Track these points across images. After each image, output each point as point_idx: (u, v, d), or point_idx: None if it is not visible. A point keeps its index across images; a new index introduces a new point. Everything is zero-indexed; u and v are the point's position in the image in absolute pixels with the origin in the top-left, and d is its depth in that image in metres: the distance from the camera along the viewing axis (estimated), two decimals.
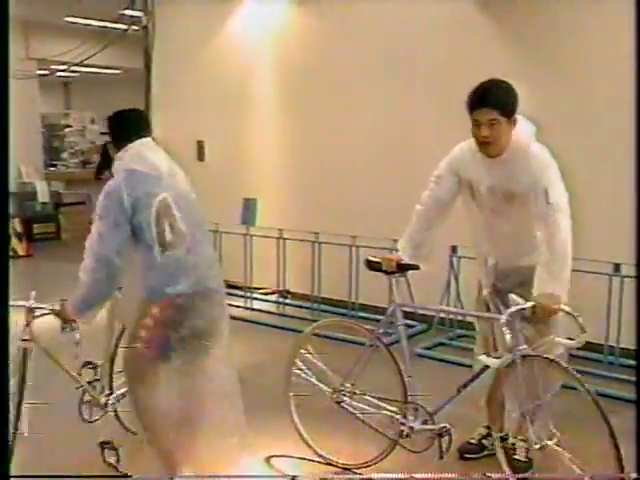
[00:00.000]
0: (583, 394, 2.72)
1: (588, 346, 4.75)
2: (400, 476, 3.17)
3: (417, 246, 3.27)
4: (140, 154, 2.94)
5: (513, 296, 2.81)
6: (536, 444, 2.78)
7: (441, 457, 3.01)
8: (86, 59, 8.48)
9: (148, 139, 3.04)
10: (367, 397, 3.25)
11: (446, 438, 3.01)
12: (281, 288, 6.29)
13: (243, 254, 6.46)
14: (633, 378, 4.42)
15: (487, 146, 2.99)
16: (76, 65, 9.05)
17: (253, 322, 5.26)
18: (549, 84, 5.07)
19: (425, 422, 3.09)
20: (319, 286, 6.01)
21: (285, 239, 6.18)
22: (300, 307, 6.22)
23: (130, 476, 3.14)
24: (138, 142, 2.97)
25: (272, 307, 6.34)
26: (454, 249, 5.04)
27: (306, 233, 5.96)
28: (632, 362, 4.63)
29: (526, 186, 2.95)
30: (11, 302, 2.68)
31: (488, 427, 3.39)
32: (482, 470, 3.13)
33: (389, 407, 3.18)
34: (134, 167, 2.88)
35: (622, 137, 4.70)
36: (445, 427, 3.03)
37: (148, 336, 2.78)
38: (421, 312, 5.30)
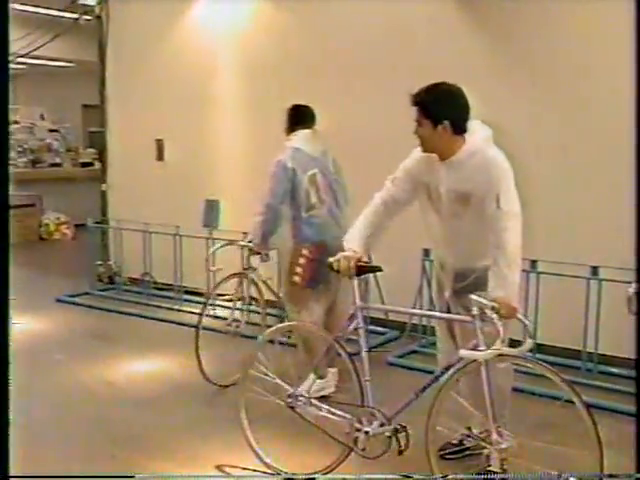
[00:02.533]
0: (562, 387, 2.81)
1: (565, 352, 4.92)
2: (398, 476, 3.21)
3: (365, 246, 3.35)
4: (304, 139, 4.38)
5: (473, 296, 2.91)
6: (500, 444, 2.86)
7: (400, 453, 3.09)
8: (34, 50, 8.37)
9: (311, 130, 4.46)
10: (322, 403, 3.32)
11: (403, 434, 3.08)
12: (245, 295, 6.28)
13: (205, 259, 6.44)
14: (612, 385, 4.53)
15: (420, 143, 3.23)
16: (23, 56, 8.91)
17: (216, 330, 5.26)
18: (528, 83, 5.18)
19: (382, 426, 3.15)
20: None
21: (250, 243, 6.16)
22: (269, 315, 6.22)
23: (133, 476, 3.26)
24: (304, 131, 4.42)
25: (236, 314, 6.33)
26: (426, 252, 5.10)
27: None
28: (611, 369, 4.74)
29: (480, 190, 3.09)
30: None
31: (469, 427, 3.47)
32: (462, 471, 3.18)
33: (343, 412, 3.24)
34: (298, 146, 4.33)
35: (601, 138, 4.83)
36: (400, 425, 3.10)
37: (302, 271, 4.26)
38: (382, 315, 5.39)
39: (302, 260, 4.29)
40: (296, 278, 4.31)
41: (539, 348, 4.81)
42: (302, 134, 4.42)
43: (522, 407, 3.74)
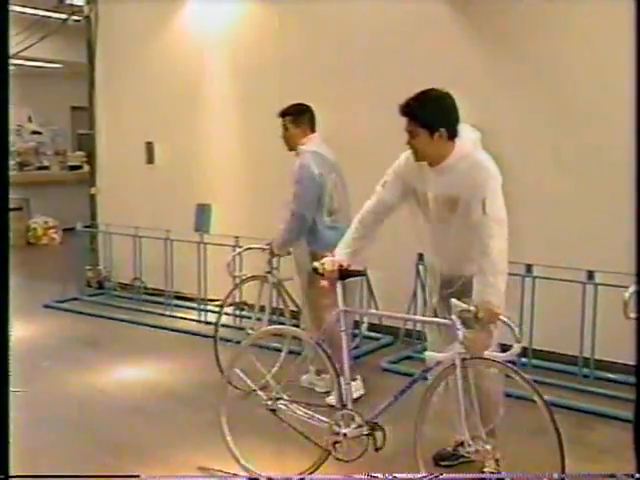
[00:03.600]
0: (524, 386, 2.86)
1: (562, 358, 4.95)
2: (401, 475, 3.24)
3: (353, 253, 3.41)
4: (321, 143, 4.44)
5: (455, 300, 2.96)
6: (470, 446, 2.95)
7: (376, 450, 3.15)
8: (22, 51, 8.38)
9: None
10: (303, 406, 3.37)
11: (379, 433, 3.14)
12: (237, 300, 6.29)
13: (196, 263, 6.46)
14: (609, 392, 4.55)
15: (414, 154, 3.22)
16: (11, 58, 8.94)
17: (208, 336, 5.28)
18: (522, 84, 5.22)
19: (359, 427, 3.20)
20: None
21: (242, 247, 6.18)
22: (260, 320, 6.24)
23: (138, 476, 3.32)
24: (316, 134, 4.48)
25: (229, 320, 6.35)
26: (421, 256, 5.12)
27: (264, 241, 5.99)
28: (609, 375, 4.76)
29: (467, 194, 3.12)
30: (251, 245, 4.86)
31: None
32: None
33: (322, 415, 3.30)
34: (317, 150, 4.35)
35: (596, 141, 4.87)
36: (376, 423, 3.16)
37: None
38: (375, 320, 5.39)
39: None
40: (324, 282, 4.30)
41: (535, 354, 4.85)
42: (317, 138, 4.46)
43: (518, 413, 3.77)
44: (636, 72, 2.38)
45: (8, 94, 1.94)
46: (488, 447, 2.93)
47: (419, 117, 3.14)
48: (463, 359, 2.92)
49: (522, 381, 2.86)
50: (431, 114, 3.14)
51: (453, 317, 2.93)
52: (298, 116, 4.48)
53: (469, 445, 2.94)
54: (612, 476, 2.91)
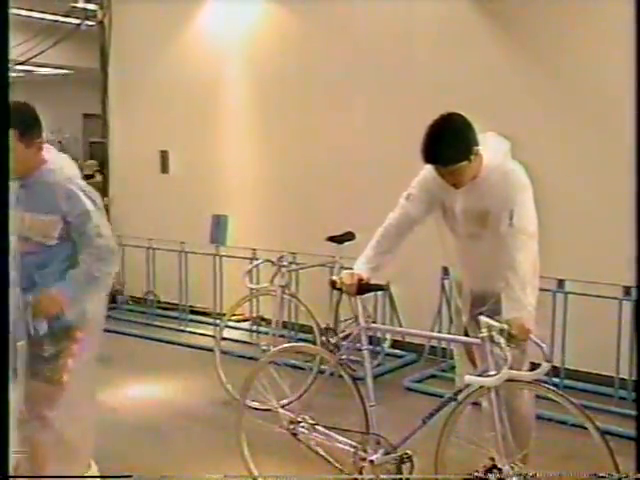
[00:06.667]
0: (574, 412, 2.80)
1: (596, 378, 4.89)
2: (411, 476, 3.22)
3: (375, 268, 3.35)
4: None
5: (484, 318, 2.90)
6: (511, 477, 2.89)
7: None
8: (33, 57, 8.50)
9: None
10: (326, 429, 3.33)
11: (408, 464, 3.09)
12: (254, 315, 6.31)
13: (212, 277, 6.49)
14: None
15: (455, 184, 3.18)
16: (22, 64, 9.05)
17: (224, 353, 5.30)
18: (546, 82, 5.22)
19: (387, 454, 3.16)
20: (296, 312, 6.04)
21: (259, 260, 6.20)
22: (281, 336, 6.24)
23: (130, 476, 3.33)
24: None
25: (245, 336, 6.37)
26: (446, 271, 5.11)
27: (282, 253, 6.00)
28: None
29: (497, 207, 3.11)
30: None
31: (493, 459, 3.47)
32: None
33: (349, 439, 3.25)
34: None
35: (633, 151, 4.82)
36: (406, 453, 3.11)
37: None
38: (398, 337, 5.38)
39: None
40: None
41: (567, 374, 4.81)
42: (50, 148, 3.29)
43: (550, 437, 3.73)
44: (636, 73, 2.37)
45: (8, 95, 2.00)
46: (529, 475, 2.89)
47: (458, 156, 3.08)
48: (507, 381, 2.84)
49: (571, 406, 2.80)
50: (466, 146, 3.10)
51: (483, 335, 2.88)
52: (28, 129, 3.01)
53: (509, 475, 2.87)
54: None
